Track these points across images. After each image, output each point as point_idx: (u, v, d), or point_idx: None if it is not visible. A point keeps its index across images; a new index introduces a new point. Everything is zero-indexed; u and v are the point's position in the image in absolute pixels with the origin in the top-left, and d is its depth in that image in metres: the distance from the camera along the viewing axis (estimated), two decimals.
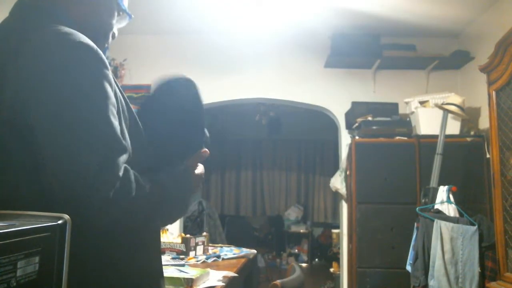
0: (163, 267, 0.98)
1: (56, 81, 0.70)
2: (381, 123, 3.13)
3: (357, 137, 3.12)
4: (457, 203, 2.54)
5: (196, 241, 2.52)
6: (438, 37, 3.60)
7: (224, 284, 1.87)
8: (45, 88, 0.70)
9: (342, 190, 3.37)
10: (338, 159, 3.76)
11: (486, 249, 2.39)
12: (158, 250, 0.93)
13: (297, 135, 6.86)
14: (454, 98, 2.91)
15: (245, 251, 2.74)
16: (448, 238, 2.36)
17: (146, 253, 0.88)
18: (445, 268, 2.31)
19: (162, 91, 0.90)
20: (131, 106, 0.87)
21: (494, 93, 2.30)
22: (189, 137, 0.90)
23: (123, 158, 0.71)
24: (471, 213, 2.52)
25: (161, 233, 2.44)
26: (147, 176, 0.76)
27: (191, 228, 5.44)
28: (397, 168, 2.96)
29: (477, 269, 2.32)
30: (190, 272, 1.84)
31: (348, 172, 3.21)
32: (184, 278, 1.71)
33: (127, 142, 0.76)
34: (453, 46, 3.55)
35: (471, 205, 2.72)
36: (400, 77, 3.63)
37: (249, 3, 3.04)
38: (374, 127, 3.10)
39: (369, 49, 3.47)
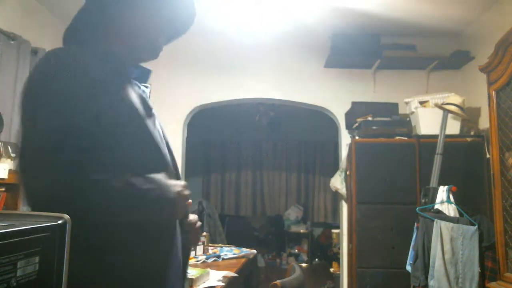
0: None
1: None
2: (381, 123, 3.13)
3: (357, 137, 3.12)
4: (457, 203, 2.54)
5: None
6: (438, 37, 3.59)
7: (224, 284, 1.87)
8: None
9: (342, 190, 3.37)
10: (338, 159, 3.76)
11: (486, 249, 2.39)
12: (162, 251, 0.93)
13: (297, 135, 6.86)
14: (454, 98, 2.91)
15: (245, 251, 2.74)
16: (448, 238, 2.36)
17: (146, 254, 0.89)
18: (445, 268, 2.31)
19: None
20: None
21: (494, 93, 2.30)
22: None
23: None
24: (471, 213, 2.52)
25: None
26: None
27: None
28: (397, 168, 2.96)
29: (477, 269, 2.32)
30: (190, 272, 1.84)
31: (348, 172, 3.21)
32: None
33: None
34: (453, 46, 3.54)
35: (471, 205, 2.71)
36: (400, 77, 3.63)
37: (249, 3, 3.04)
38: (374, 127, 3.10)
39: (369, 49, 3.47)
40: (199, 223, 1.16)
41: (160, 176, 0.90)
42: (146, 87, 1.09)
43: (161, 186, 0.89)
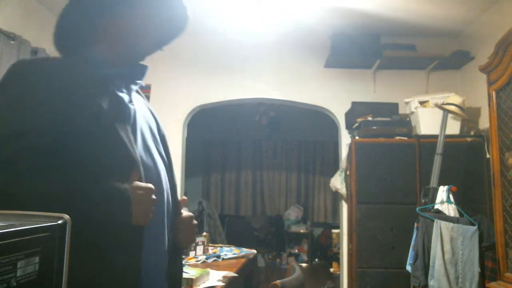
0: None
1: None
2: (381, 123, 3.13)
3: (357, 137, 3.12)
4: (457, 203, 2.54)
5: (196, 241, 2.52)
6: (438, 37, 3.59)
7: (224, 284, 1.87)
8: None
9: (342, 190, 3.37)
10: (338, 159, 3.76)
11: (486, 249, 2.40)
12: (136, 247, 0.92)
13: (297, 135, 6.86)
14: (454, 98, 2.91)
15: (245, 251, 2.74)
16: (448, 238, 2.36)
17: (121, 251, 0.89)
18: (445, 268, 2.31)
19: None
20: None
21: (494, 93, 2.30)
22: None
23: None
24: (471, 213, 2.52)
25: None
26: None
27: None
28: (397, 168, 2.96)
29: (477, 269, 2.32)
30: (190, 272, 1.84)
31: (348, 172, 3.21)
32: (184, 278, 1.71)
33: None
34: (453, 46, 3.54)
35: (471, 205, 2.71)
36: (400, 77, 3.63)
37: (249, 3, 3.04)
38: (374, 127, 3.10)
39: (369, 49, 3.47)
40: (194, 222, 1.15)
41: (115, 183, 0.88)
42: (136, 84, 1.07)
43: (110, 190, 0.87)
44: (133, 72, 1.06)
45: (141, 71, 1.08)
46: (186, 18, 1.15)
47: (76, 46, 1.01)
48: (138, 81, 1.07)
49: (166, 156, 1.10)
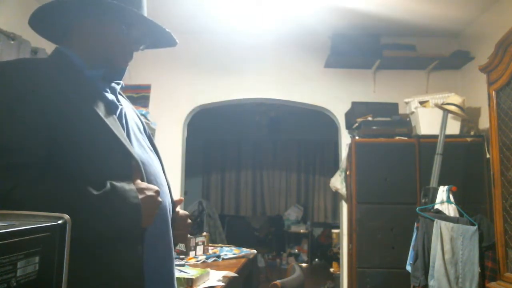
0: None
1: None
2: (381, 123, 3.13)
3: (357, 137, 3.12)
4: (457, 203, 2.54)
5: (196, 241, 2.52)
6: (438, 37, 3.60)
7: (224, 284, 1.87)
8: None
9: (342, 190, 3.37)
10: (338, 159, 3.76)
11: (486, 249, 2.40)
12: (137, 246, 0.91)
13: (297, 135, 6.86)
14: (454, 98, 2.91)
15: (245, 251, 2.74)
16: (448, 238, 2.36)
17: (126, 245, 0.89)
18: (445, 268, 2.31)
19: None
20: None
21: (494, 93, 2.30)
22: None
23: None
24: (471, 213, 2.52)
25: None
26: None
27: (191, 228, 5.44)
28: (397, 168, 2.96)
29: (477, 269, 2.32)
30: (190, 272, 1.84)
31: (348, 172, 3.21)
32: (184, 278, 1.71)
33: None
34: (453, 46, 3.55)
35: (471, 205, 2.72)
36: (400, 77, 3.63)
37: (249, 3, 3.04)
38: (374, 127, 3.10)
39: (369, 49, 3.47)
40: (189, 220, 1.16)
41: (121, 184, 0.87)
42: (118, 84, 1.07)
43: (120, 192, 0.86)
44: (112, 73, 1.05)
45: (120, 72, 1.07)
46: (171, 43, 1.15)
47: (49, 34, 1.03)
48: (118, 81, 1.07)
49: (155, 152, 1.11)
